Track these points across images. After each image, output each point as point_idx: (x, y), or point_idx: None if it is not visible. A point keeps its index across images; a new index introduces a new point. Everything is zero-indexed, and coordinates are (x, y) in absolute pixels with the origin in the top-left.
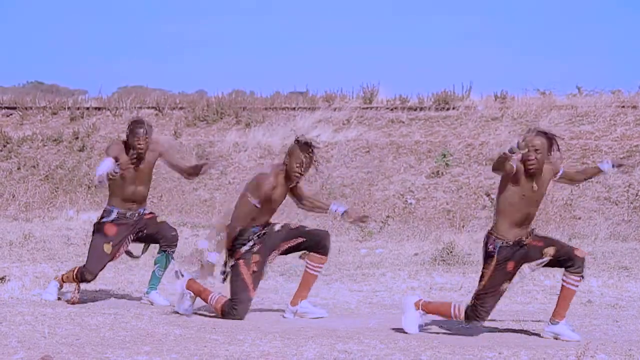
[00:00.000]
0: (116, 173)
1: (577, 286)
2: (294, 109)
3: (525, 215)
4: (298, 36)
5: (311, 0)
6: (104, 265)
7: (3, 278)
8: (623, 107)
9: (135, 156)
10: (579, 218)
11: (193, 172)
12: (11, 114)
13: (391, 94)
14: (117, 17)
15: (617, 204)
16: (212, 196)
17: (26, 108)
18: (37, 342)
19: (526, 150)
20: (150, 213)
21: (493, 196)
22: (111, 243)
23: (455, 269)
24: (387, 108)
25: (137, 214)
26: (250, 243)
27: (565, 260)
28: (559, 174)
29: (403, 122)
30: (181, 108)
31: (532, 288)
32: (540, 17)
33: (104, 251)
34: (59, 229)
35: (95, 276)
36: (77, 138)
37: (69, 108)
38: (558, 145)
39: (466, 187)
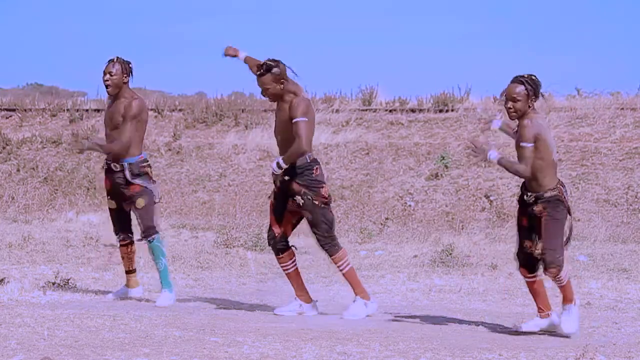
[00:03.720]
0: None
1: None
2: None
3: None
4: (297, 38)
5: (310, 2)
6: (122, 220)
7: (2, 280)
8: (622, 109)
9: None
10: (578, 220)
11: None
12: (10, 116)
13: (390, 96)
14: (117, 19)
15: (616, 206)
16: (212, 198)
17: (25, 110)
18: (36, 344)
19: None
20: (137, 186)
21: (492, 198)
22: (109, 197)
23: (454, 271)
24: (386, 110)
25: (119, 167)
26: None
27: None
28: (521, 144)
29: (402, 124)
30: (180, 110)
31: None
32: (539, 19)
33: (109, 208)
34: (59, 231)
35: (117, 231)
36: (76, 140)
37: (68, 110)
38: (537, 91)
39: (465, 189)
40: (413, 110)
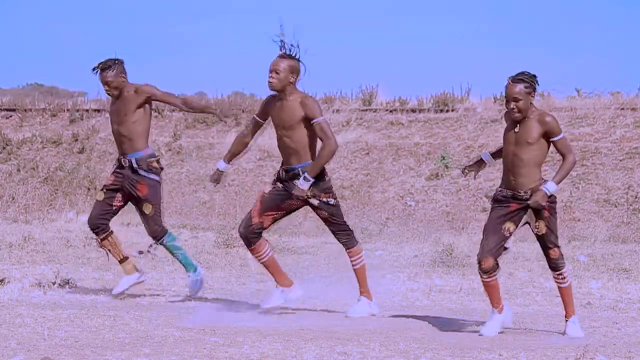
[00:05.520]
0: None
1: (563, 280)
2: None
3: (508, 157)
4: (297, 38)
5: (310, 1)
6: (102, 214)
7: (2, 280)
8: (622, 109)
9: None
10: (579, 220)
11: (196, 107)
12: (11, 116)
13: (390, 96)
14: (117, 19)
15: (616, 206)
16: (212, 198)
17: (25, 110)
18: (36, 344)
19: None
20: (141, 185)
21: None
22: (104, 189)
23: (454, 271)
24: (387, 110)
25: (128, 162)
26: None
27: (544, 251)
28: (556, 138)
29: (402, 124)
30: (181, 110)
31: (531, 290)
32: (539, 19)
33: (96, 199)
34: (59, 231)
35: (90, 222)
36: (76, 140)
37: (68, 110)
38: (535, 86)
39: (465, 189)
40: (413, 110)
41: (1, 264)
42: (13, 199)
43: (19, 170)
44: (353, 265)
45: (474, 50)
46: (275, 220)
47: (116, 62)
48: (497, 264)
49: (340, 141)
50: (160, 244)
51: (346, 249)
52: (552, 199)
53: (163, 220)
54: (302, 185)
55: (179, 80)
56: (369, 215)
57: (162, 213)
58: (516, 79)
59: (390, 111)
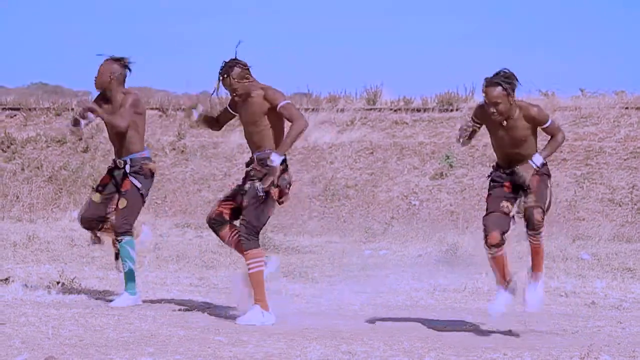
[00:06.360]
0: (85, 118)
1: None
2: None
3: (506, 155)
4: (300, 37)
5: (313, 2)
6: (94, 216)
7: (7, 279)
8: (627, 108)
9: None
10: (583, 219)
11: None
12: (15, 115)
13: (395, 95)
14: (121, 18)
15: (620, 205)
16: (216, 197)
17: (30, 109)
18: (40, 343)
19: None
20: (127, 181)
21: None
22: (99, 191)
23: (459, 270)
24: (391, 109)
25: (123, 164)
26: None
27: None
28: (545, 125)
29: (407, 124)
30: (185, 109)
31: None
32: (543, 18)
33: (91, 199)
34: (63, 230)
35: (83, 223)
36: (80, 139)
37: (72, 109)
38: (514, 84)
39: (470, 189)
40: (417, 110)
41: (6, 263)
42: (17, 198)
43: (23, 169)
44: (249, 270)
45: (478, 49)
46: (233, 211)
47: (119, 59)
48: (503, 240)
49: (344, 140)
50: (119, 241)
51: (244, 250)
52: (542, 169)
53: (135, 223)
54: (274, 161)
55: (180, 80)
56: (373, 215)
57: (137, 215)
58: (492, 82)
59: (395, 110)
